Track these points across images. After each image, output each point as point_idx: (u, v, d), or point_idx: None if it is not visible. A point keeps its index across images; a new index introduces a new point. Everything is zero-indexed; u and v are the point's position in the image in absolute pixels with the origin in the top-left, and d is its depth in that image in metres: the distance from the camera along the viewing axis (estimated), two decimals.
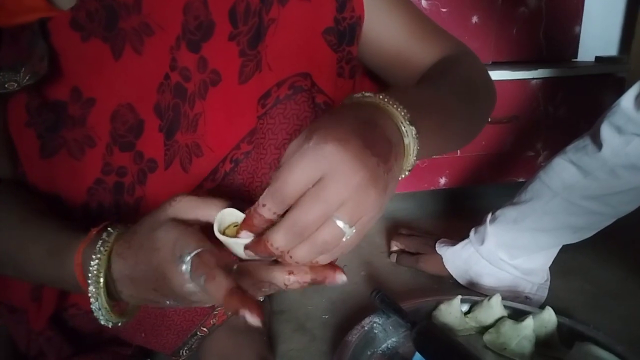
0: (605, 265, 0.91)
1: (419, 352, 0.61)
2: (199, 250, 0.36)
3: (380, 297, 0.68)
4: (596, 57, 1.26)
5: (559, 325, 0.66)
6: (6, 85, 0.48)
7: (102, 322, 0.43)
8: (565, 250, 0.81)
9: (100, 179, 0.55)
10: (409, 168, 0.40)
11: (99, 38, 0.52)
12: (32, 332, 0.58)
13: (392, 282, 0.87)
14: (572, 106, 1.17)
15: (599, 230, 0.76)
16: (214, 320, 0.59)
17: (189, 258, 0.36)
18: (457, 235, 0.86)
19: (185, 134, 0.54)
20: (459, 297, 0.70)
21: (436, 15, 1.10)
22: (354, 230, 0.34)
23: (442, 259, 0.84)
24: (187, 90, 0.53)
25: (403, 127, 0.38)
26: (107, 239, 0.43)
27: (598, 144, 0.70)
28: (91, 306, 0.43)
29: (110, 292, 0.43)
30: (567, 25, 1.24)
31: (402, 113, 0.38)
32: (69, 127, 0.54)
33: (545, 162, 0.78)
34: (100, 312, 0.43)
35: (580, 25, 1.24)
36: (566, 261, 0.86)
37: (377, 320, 0.66)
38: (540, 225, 0.77)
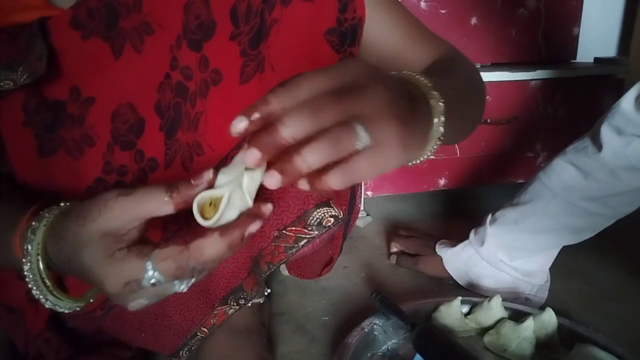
0: (605, 266, 0.91)
1: (419, 353, 0.61)
2: (154, 251, 0.35)
3: (380, 298, 0.68)
4: (595, 58, 1.26)
5: (559, 326, 0.66)
6: (2, 84, 0.48)
7: (59, 310, 0.42)
8: (565, 251, 0.81)
9: (100, 178, 0.55)
10: (433, 147, 0.39)
11: (100, 37, 0.52)
12: (30, 333, 0.58)
13: (392, 284, 0.87)
14: (571, 107, 1.17)
15: (599, 231, 0.76)
16: (214, 320, 0.59)
17: (150, 268, 0.35)
18: (456, 236, 0.86)
19: (187, 133, 0.53)
20: (459, 298, 0.70)
21: (435, 17, 1.10)
22: (370, 142, 0.31)
23: (441, 260, 0.84)
24: (189, 89, 0.53)
25: (435, 115, 0.38)
26: (36, 225, 0.41)
27: (598, 145, 0.70)
28: (36, 297, 0.41)
29: (53, 269, 0.42)
30: (566, 26, 1.24)
31: (436, 97, 0.39)
32: (67, 127, 0.54)
33: (545, 163, 0.78)
34: (48, 302, 0.42)
35: (579, 26, 1.24)
36: (566, 262, 0.86)
37: (377, 321, 0.66)
38: (540, 226, 0.77)
